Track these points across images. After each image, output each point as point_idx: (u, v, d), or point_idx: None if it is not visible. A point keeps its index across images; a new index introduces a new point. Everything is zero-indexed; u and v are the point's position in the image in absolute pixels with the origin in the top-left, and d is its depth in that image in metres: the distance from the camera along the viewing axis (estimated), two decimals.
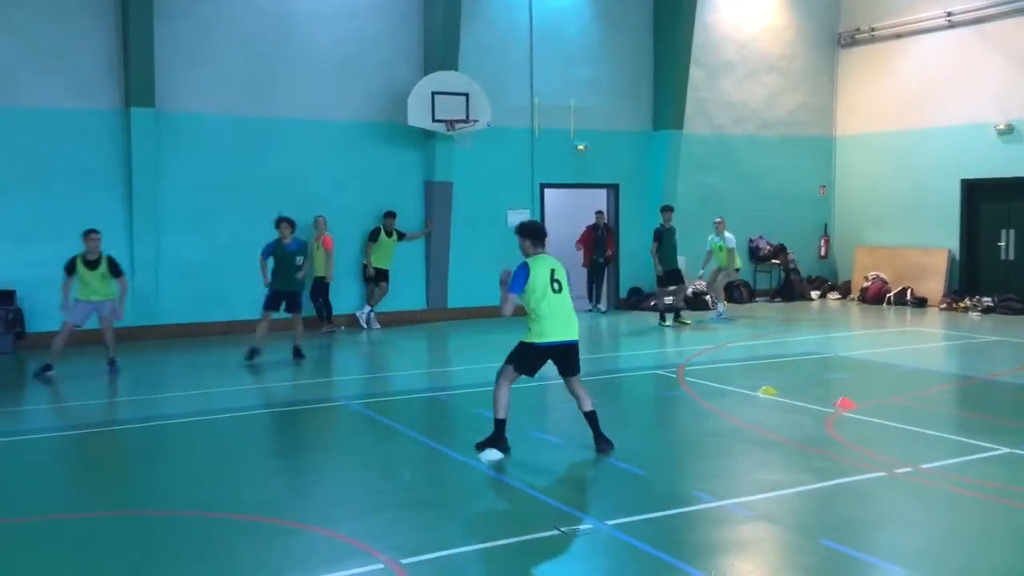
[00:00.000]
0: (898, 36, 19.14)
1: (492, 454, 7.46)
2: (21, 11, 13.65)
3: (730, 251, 16.71)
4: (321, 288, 15.16)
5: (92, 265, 11.52)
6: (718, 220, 16.85)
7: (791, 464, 7.38)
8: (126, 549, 5.76)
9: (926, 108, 18.66)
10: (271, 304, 12.54)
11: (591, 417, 7.64)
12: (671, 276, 16.01)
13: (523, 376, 7.66)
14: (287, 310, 12.65)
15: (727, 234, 16.71)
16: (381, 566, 5.29)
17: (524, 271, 7.41)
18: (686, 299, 17.67)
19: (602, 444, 7.61)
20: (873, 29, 19.50)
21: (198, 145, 14.76)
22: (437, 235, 16.45)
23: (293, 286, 12.59)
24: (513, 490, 6.80)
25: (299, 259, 12.47)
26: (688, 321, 16.01)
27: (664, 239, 15.96)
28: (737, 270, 17.39)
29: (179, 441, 8.74)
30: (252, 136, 15.11)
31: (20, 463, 7.91)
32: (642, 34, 18.30)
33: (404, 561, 5.33)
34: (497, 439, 7.56)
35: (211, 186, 14.84)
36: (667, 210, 16.16)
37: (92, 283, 11.52)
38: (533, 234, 7.60)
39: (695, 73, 18.55)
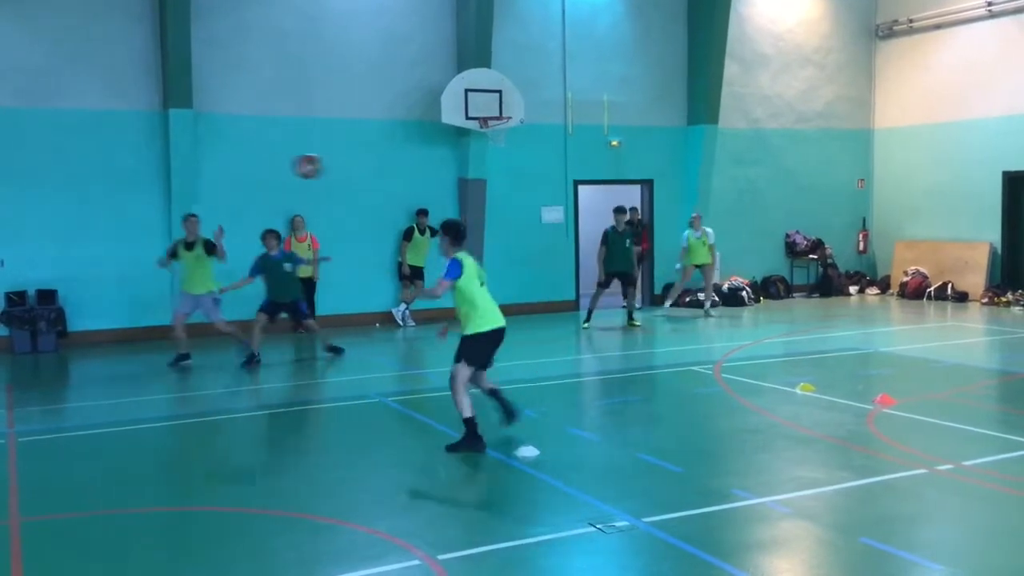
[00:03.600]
0: (937, 27, 18.85)
1: (529, 451, 7.47)
2: (59, 14, 13.81)
3: (711, 247, 16.47)
4: (308, 289, 14.80)
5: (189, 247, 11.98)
6: (695, 215, 16.57)
7: (830, 461, 7.31)
8: (165, 545, 5.84)
9: (966, 100, 18.37)
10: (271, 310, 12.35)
11: (495, 394, 7.90)
12: (620, 277, 15.15)
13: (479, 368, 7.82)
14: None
15: (707, 229, 16.48)
16: (418, 562, 5.32)
17: (458, 263, 7.60)
18: (720, 294, 17.57)
19: (510, 418, 7.86)
20: (911, 20, 19.23)
21: (235, 146, 14.88)
22: (471, 232, 16.37)
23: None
24: (549, 487, 6.79)
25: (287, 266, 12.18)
26: (639, 323, 15.19)
27: (611, 241, 14.94)
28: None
29: (216, 437, 8.83)
30: (288, 136, 15.20)
31: (58, 460, 8.02)
32: (676, 28, 18.18)
33: (440, 557, 5.35)
34: (471, 438, 7.63)
35: (248, 186, 14.94)
36: (620, 212, 15.14)
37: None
38: (454, 232, 7.76)
39: (730, 67, 18.39)
